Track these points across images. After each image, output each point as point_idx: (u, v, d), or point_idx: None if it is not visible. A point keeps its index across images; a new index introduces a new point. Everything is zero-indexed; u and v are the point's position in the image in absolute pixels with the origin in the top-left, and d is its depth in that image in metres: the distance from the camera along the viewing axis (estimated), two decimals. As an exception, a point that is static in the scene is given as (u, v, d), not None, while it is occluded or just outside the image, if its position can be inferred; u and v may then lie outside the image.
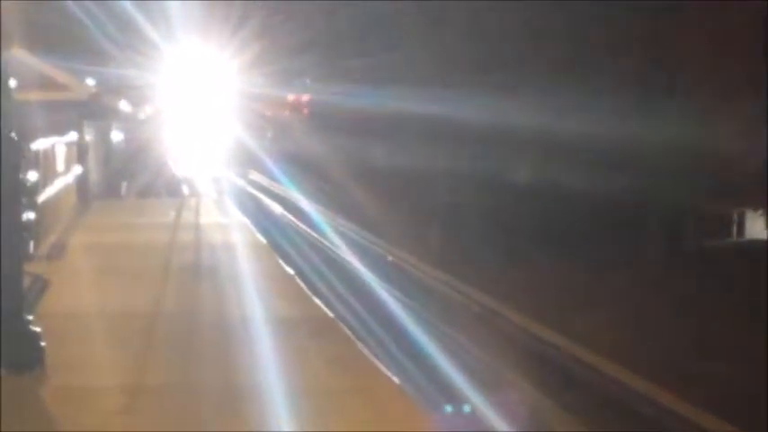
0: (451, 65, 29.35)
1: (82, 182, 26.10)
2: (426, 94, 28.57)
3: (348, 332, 11.65)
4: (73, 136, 24.58)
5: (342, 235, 24.39)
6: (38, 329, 9.60)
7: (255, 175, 44.23)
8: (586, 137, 22.31)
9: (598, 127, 21.82)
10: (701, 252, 23.83)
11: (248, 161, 45.92)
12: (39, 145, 17.92)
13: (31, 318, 9.73)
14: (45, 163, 18.78)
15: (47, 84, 25.22)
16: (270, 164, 40.46)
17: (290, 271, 16.19)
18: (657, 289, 18.82)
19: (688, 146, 20.78)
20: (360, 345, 10.97)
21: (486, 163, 26.72)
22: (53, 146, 20.52)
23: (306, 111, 46.16)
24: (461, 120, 27.06)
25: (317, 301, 13.55)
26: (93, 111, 28.55)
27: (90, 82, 28.62)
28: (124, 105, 35.48)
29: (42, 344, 9.56)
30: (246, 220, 24.48)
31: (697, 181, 21.99)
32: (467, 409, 10.33)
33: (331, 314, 12.72)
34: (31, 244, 15.36)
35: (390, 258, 21.92)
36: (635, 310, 16.95)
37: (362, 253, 21.87)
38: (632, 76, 22.80)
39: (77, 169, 24.82)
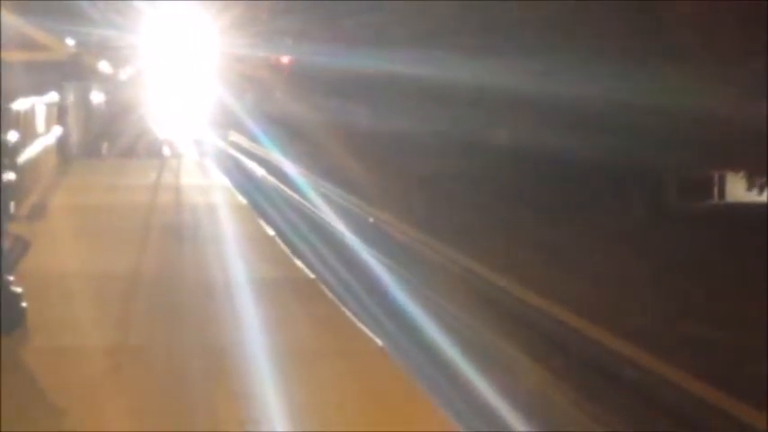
0: (437, 26, 29.21)
1: (62, 142, 25.99)
2: (410, 56, 28.45)
3: (329, 293, 11.69)
4: (53, 96, 24.44)
5: (323, 196, 24.39)
6: (19, 290, 9.60)
7: (236, 137, 44.09)
8: (573, 99, 22.31)
9: (583, 89, 21.81)
10: (683, 214, 23.95)
11: (229, 123, 45.74)
12: (19, 105, 17.82)
13: (11, 278, 9.71)
14: (25, 123, 18.68)
15: (26, 44, 25.04)
16: (251, 125, 40.32)
17: (271, 232, 16.20)
18: (639, 249, 18.93)
19: (671, 108, 20.80)
20: (341, 306, 11.02)
21: (472, 125, 26.70)
22: (33, 106, 20.40)
23: (287, 72, 45.99)
24: (446, 81, 26.98)
25: (298, 262, 13.57)
26: (73, 71, 28.38)
27: (70, 42, 28.41)
28: (105, 66, 35.25)
29: (24, 305, 9.56)
30: (227, 182, 24.43)
31: (679, 143, 22.04)
32: None
33: (312, 275, 12.75)
34: (12, 205, 15.31)
35: (371, 220, 21.95)
36: (615, 269, 17.04)
37: (343, 214, 21.89)
38: (621, 39, 22.72)
39: (57, 130, 24.69)
